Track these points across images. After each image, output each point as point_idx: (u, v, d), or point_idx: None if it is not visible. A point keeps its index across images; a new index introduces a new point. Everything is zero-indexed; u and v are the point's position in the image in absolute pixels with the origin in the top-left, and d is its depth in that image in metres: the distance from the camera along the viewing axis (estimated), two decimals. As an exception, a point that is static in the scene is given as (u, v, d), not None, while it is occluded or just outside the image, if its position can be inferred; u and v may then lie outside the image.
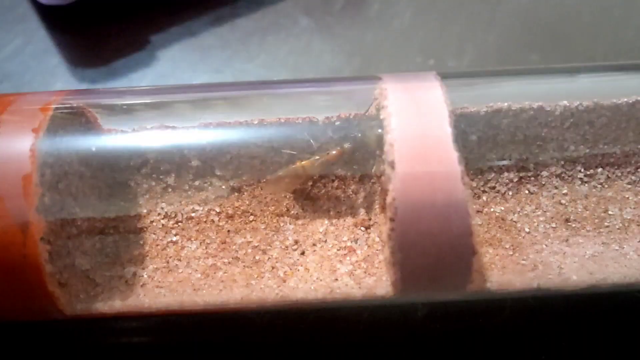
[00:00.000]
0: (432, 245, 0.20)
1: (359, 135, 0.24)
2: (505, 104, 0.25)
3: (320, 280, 0.23)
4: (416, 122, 0.21)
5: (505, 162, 0.25)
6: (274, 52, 0.35)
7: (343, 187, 0.25)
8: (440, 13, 0.36)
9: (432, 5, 0.37)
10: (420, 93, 0.21)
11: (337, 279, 0.23)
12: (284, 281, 0.23)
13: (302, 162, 0.24)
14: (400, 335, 0.25)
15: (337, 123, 0.24)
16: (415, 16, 0.36)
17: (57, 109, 0.22)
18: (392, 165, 0.20)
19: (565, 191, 0.25)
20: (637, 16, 0.36)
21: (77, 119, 0.23)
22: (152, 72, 0.34)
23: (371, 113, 0.23)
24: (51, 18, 0.35)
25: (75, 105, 0.23)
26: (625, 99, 0.25)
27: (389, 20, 0.36)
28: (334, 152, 0.24)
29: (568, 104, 0.25)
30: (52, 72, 0.34)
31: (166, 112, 0.25)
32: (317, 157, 0.24)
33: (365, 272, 0.23)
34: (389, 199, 0.20)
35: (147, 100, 0.25)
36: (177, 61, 0.34)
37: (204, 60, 0.35)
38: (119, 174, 0.24)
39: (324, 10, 0.37)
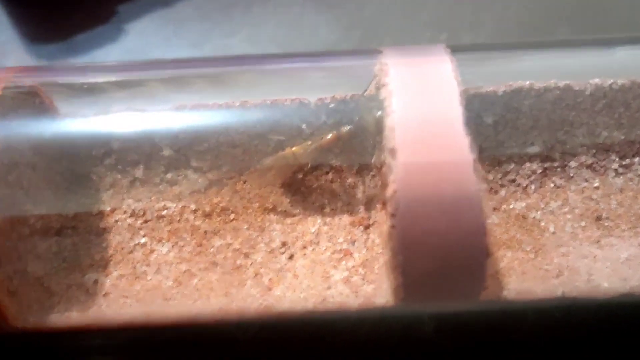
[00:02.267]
0: (439, 246, 0.20)
1: (357, 118, 0.24)
2: (527, 82, 0.25)
3: (311, 289, 0.23)
4: (421, 103, 0.21)
5: (527, 151, 0.25)
6: (260, 25, 0.35)
7: (339, 179, 0.25)
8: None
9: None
10: (427, 69, 0.21)
11: (330, 287, 0.23)
12: (269, 289, 0.23)
13: (292, 149, 0.24)
14: (404, 354, 0.25)
15: (332, 105, 0.24)
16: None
17: (6, 88, 0.22)
18: (392, 153, 0.20)
19: (597, 184, 0.25)
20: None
21: (29, 101, 0.23)
22: (119, 48, 0.34)
23: (371, 93, 0.23)
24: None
25: (27, 84, 0.23)
26: (668, 76, 0.25)
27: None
28: (328, 137, 0.24)
29: (600, 83, 0.25)
30: (2, 49, 0.34)
31: (134, 92, 0.25)
32: (310, 143, 0.24)
33: (363, 279, 0.23)
34: (389, 192, 0.20)
35: (111, 78, 0.25)
36: (147, 35, 0.34)
37: (179, 34, 0.35)
38: (79, 165, 0.24)
39: (320, -24, 0.37)
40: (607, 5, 0.35)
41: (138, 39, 0.34)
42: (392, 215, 0.20)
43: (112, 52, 0.34)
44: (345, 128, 0.24)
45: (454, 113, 0.20)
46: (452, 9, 0.36)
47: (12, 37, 0.34)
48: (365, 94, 0.24)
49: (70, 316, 0.22)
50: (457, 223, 0.20)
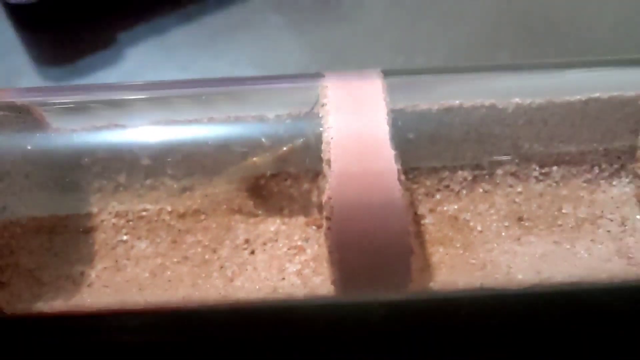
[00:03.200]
0: (369, 245, 0.20)
1: (309, 132, 0.24)
2: (457, 101, 0.25)
3: (267, 280, 0.23)
4: (353, 120, 0.21)
5: (459, 161, 0.25)
6: (242, 50, 0.35)
7: (296, 185, 0.25)
8: (411, 9, 0.36)
9: (403, 2, 0.37)
10: (360, 91, 0.22)
11: (284, 278, 0.23)
12: (231, 281, 0.23)
13: (254, 159, 0.24)
14: (357, 336, 0.25)
15: (288, 121, 0.24)
16: (385, 13, 0.36)
17: (1, 106, 0.22)
18: (328, 163, 0.20)
19: (519, 189, 0.25)
20: (609, 14, 0.36)
21: (23, 117, 0.24)
22: (118, 70, 0.34)
23: (317, 111, 0.23)
24: (18, 16, 0.36)
25: (21, 103, 0.23)
26: (579, 97, 0.25)
27: (359, 17, 0.36)
28: (285, 148, 0.24)
29: (520, 102, 0.25)
30: (17, 71, 0.34)
31: (117, 110, 0.25)
32: (269, 154, 0.24)
33: (313, 272, 0.23)
34: (324, 198, 0.20)
35: (96, 98, 0.25)
36: (143, 60, 0.35)
37: (171, 59, 0.35)
38: (69, 173, 0.25)
39: (294, 7, 0.37)
40: (541, 34, 0.35)
41: (135, 63, 0.34)
42: (328, 219, 0.20)
43: (112, 74, 0.34)
44: (299, 140, 0.24)
45: (382, 129, 0.20)
46: (409, 36, 0.36)
47: (25, 60, 0.34)
48: (313, 111, 0.24)
49: (54, 304, 0.22)
50: (384, 225, 0.20)
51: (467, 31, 0.35)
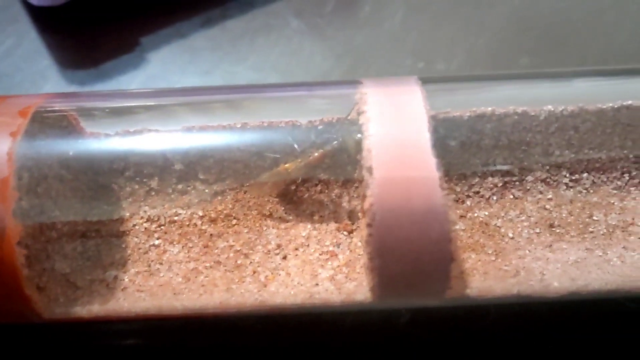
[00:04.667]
0: (410, 252, 0.20)
1: (341, 139, 0.24)
2: (489, 108, 0.25)
3: (301, 285, 0.23)
4: (394, 128, 0.20)
5: (489, 167, 0.25)
6: (264, 54, 0.35)
7: (326, 191, 0.25)
8: (431, 16, 0.36)
9: (423, 8, 0.36)
10: (400, 98, 0.21)
11: (317, 284, 0.23)
12: (265, 286, 0.23)
13: (286, 165, 0.24)
14: (382, 341, 0.25)
15: (320, 127, 0.24)
16: (406, 18, 0.36)
17: (36, 112, 0.22)
18: (370, 170, 0.20)
19: (550, 196, 0.25)
20: (629, 20, 0.36)
21: (57, 123, 0.23)
22: (142, 74, 0.34)
23: (352, 117, 0.23)
24: (42, 19, 0.35)
25: (56, 108, 0.23)
26: (611, 104, 0.25)
27: (380, 22, 0.36)
28: (316, 154, 0.24)
29: (552, 109, 0.25)
30: (42, 74, 0.34)
31: (150, 115, 0.25)
32: (300, 160, 0.24)
33: (346, 277, 0.23)
34: (366, 205, 0.20)
35: (130, 103, 0.25)
36: (166, 63, 0.34)
37: (194, 62, 0.34)
38: (102, 177, 0.24)
39: (315, 12, 0.36)
40: (561, 40, 0.35)
41: (158, 67, 0.34)
42: (369, 225, 0.20)
43: (135, 78, 0.34)
44: (331, 147, 0.24)
45: (423, 137, 0.20)
46: (429, 42, 0.35)
47: (50, 63, 0.34)
48: (348, 118, 0.24)
49: (92, 308, 0.22)
50: (425, 232, 0.20)
51: (487, 37, 0.35)
